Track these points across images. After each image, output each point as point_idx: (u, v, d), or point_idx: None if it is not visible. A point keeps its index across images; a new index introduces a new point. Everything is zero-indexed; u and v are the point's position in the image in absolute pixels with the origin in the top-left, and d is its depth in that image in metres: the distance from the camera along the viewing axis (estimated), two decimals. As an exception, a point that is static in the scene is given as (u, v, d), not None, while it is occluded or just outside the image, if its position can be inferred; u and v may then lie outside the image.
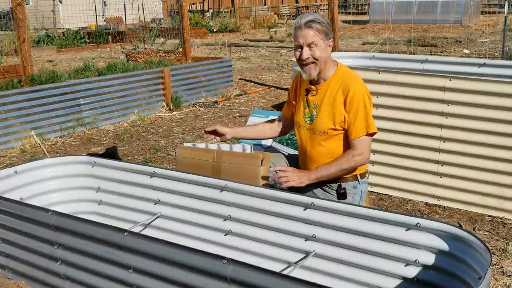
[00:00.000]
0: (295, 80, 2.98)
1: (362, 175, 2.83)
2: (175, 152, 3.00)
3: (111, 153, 5.02)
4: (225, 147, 2.85)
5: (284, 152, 3.62)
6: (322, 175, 2.69)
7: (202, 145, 2.93)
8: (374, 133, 2.73)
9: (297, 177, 2.64)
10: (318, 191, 2.79)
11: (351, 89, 2.67)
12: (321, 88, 2.77)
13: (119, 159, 4.88)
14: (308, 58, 2.67)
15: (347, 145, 2.72)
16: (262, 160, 2.69)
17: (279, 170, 2.66)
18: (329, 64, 2.75)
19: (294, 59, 2.88)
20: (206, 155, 2.82)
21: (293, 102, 2.95)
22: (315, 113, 2.78)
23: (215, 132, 3.02)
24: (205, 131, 3.05)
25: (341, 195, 2.74)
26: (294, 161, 2.98)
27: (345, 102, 2.67)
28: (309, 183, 2.68)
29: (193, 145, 2.95)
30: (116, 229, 2.13)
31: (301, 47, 2.68)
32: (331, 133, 2.72)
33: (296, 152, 3.11)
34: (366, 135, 2.68)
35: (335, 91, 2.71)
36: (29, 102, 5.64)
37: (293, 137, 3.89)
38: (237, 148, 2.83)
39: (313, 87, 2.81)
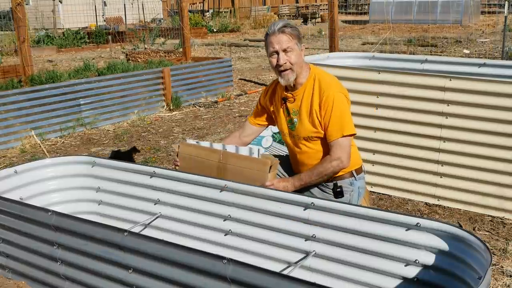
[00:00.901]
0: (270, 87, 2.95)
1: (358, 171, 2.83)
2: (175, 148, 2.93)
3: (121, 153, 5.02)
4: (230, 148, 2.80)
5: (283, 153, 3.62)
6: (305, 182, 2.70)
7: (206, 144, 2.88)
8: (353, 134, 2.72)
9: (282, 187, 2.63)
10: (315, 190, 2.79)
11: (326, 91, 2.68)
12: (297, 94, 2.77)
13: (131, 159, 4.87)
14: (286, 63, 2.65)
15: None
16: (270, 167, 2.64)
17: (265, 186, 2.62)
18: (303, 68, 2.75)
19: None
20: (212, 155, 2.77)
21: (271, 109, 2.92)
22: (296, 119, 2.79)
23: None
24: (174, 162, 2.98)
25: (338, 194, 2.74)
26: (289, 164, 2.98)
27: (320, 104, 2.68)
28: (294, 189, 2.68)
29: (196, 142, 2.90)
30: (116, 229, 2.13)
31: (277, 52, 2.66)
32: (315, 135, 2.73)
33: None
34: (343, 137, 2.66)
35: (312, 95, 2.72)
36: (29, 102, 5.65)
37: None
38: (243, 151, 2.77)
39: (289, 94, 2.80)
